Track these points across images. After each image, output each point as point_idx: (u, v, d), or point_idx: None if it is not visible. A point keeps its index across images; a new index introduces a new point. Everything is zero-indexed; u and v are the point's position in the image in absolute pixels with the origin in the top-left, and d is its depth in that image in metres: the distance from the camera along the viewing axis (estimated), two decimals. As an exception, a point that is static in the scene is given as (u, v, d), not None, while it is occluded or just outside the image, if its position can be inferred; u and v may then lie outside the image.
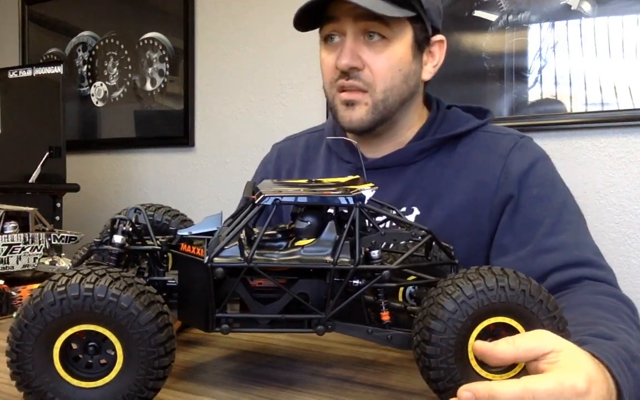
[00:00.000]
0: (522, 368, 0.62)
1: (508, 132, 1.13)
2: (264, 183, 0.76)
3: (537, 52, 2.04)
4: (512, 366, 0.62)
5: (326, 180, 0.77)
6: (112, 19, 2.88)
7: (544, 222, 1.00)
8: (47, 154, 2.41)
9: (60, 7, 3.03)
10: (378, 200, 0.77)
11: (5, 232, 1.18)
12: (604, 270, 0.96)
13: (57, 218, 2.30)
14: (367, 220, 0.70)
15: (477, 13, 2.12)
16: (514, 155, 1.06)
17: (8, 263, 1.18)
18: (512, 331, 0.62)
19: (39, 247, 1.22)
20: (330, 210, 0.71)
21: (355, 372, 0.77)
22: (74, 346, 0.60)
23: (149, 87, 2.79)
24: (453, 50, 2.09)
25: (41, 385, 0.59)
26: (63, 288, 0.57)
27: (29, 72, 2.51)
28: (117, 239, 0.70)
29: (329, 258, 0.66)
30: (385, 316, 0.70)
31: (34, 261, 1.20)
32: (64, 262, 1.14)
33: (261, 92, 2.56)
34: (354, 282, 0.68)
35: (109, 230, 0.71)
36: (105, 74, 2.91)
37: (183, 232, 0.72)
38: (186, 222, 0.88)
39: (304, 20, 1.07)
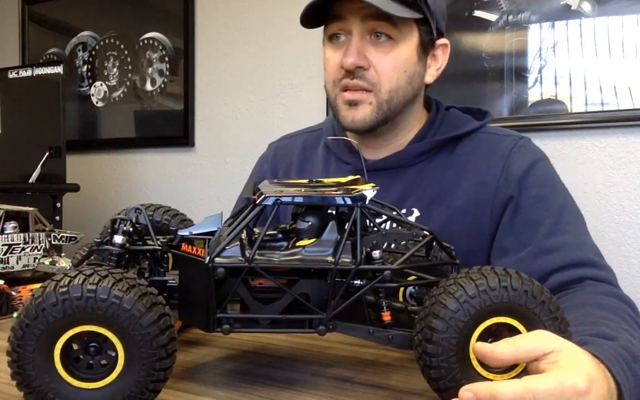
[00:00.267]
0: (523, 368, 0.62)
1: (507, 133, 1.13)
2: (264, 183, 0.76)
3: (537, 52, 2.04)
4: (513, 366, 0.62)
5: (327, 180, 0.77)
6: (112, 19, 2.88)
7: (544, 222, 1.00)
8: (47, 154, 2.41)
9: (60, 7, 3.03)
10: (379, 201, 0.77)
11: (5, 232, 1.17)
12: (605, 271, 0.96)
13: (57, 218, 2.30)
14: (368, 221, 0.70)
15: (477, 13, 2.12)
16: (514, 156, 1.07)
17: (8, 263, 1.17)
18: (514, 331, 0.62)
19: (39, 247, 1.22)
20: (331, 211, 0.71)
21: (356, 372, 0.77)
22: (75, 347, 0.60)
23: (149, 87, 2.79)
24: (453, 50, 2.07)
25: (42, 385, 0.58)
26: (65, 288, 0.57)
27: (29, 72, 2.51)
28: (118, 239, 0.70)
29: (330, 258, 0.66)
30: (387, 316, 0.70)
31: (34, 261, 1.20)
32: (64, 262, 1.14)
33: (261, 92, 2.56)
34: (355, 282, 0.68)
35: (109, 231, 0.71)
36: (105, 74, 2.90)
37: (183, 232, 0.72)
38: (186, 222, 0.88)
39: (309, 18, 1.06)
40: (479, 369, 0.62)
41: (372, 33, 1.03)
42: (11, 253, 1.18)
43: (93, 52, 2.94)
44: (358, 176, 0.79)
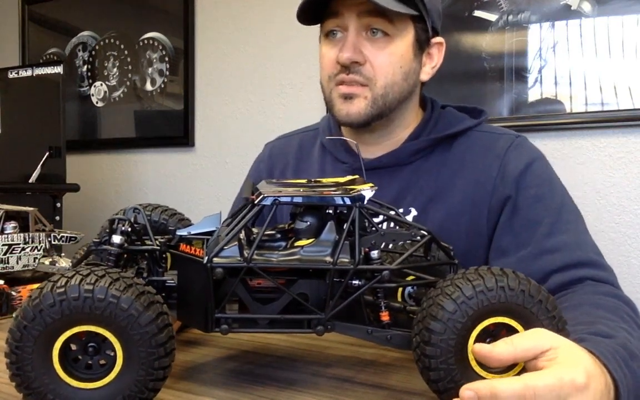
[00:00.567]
0: (522, 368, 0.62)
1: (504, 132, 1.13)
2: (263, 183, 0.76)
3: (537, 52, 2.04)
4: (512, 366, 0.62)
5: (325, 180, 0.77)
6: (112, 19, 2.88)
7: (543, 222, 1.00)
8: (47, 154, 2.41)
9: (60, 7, 3.03)
10: (378, 201, 0.77)
11: (5, 232, 1.18)
12: (605, 271, 0.96)
13: (57, 218, 2.30)
14: (366, 221, 0.70)
15: (477, 13, 2.12)
16: (510, 156, 1.06)
17: (8, 263, 1.18)
18: (512, 331, 0.62)
19: (39, 247, 1.22)
20: (330, 211, 0.71)
21: (355, 372, 0.77)
22: (74, 347, 0.60)
23: (149, 87, 2.79)
24: (453, 50, 2.09)
25: (41, 386, 0.58)
26: (62, 289, 0.57)
27: (29, 72, 2.51)
28: (116, 239, 0.70)
29: (328, 258, 0.66)
30: (385, 316, 0.70)
31: (34, 261, 1.20)
32: (64, 262, 1.14)
33: (261, 92, 2.56)
34: (354, 282, 0.68)
35: (107, 231, 0.71)
36: (105, 74, 2.91)
37: (182, 232, 0.72)
38: (184, 221, 0.88)
39: (306, 15, 1.07)
40: (477, 369, 0.62)
41: (368, 29, 1.03)
42: (11, 253, 1.18)
43: (93, 52, 2.94)
44: (356, 176, 0.79)
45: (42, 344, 0.58)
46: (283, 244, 0.71)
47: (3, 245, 1.17)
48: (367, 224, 0.71)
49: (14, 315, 0.59)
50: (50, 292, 0.57)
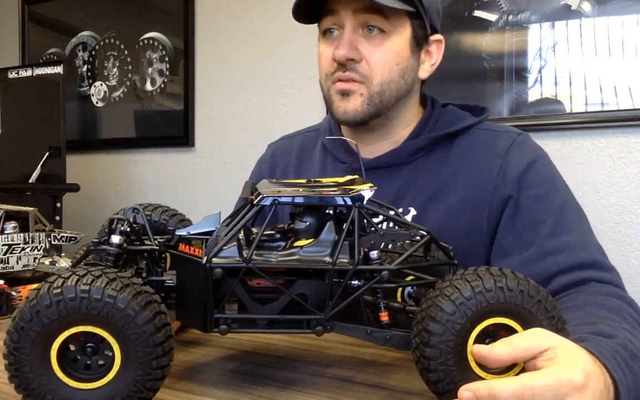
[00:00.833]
0: (522, 368, 0.62)
1: (505, 129, 1.12)
2: (262, 183, 0.76)
3: (537, 52, 2.04)
4: (512, 366, 0.62)
5: (325, 180, 0.77)
6: (112, 19, 2.88)
7: (545, 222, 0.99)
8: (47, 154, 2.41)
9: (60, 7, 3.03)
10: (377, 201, 0.77)
11: (5, 232, 1.18)
12: (610, 272, 0.95)
13: (57, 218, 2.30)
14: (365, 221, 0.70)
15: (477, 13, 2.12)
16: (512, 155, 1.05)
17: (8, 263, 1.18)
18: (511, 332, 0.62)
19: (39, 247, 1.22)
20: (329, 211, 0.71)
21: (355, 372, 0.76)
22: (72, 347, 0.60)
23: (149, 87, 2.79)
24: (453, 50, 2.09)
25: (39, 387, 0.58)
26: (59, 290, 0.57)
27: (29, 72, 2.51)
28: (115, 239, 0.70)
29: (327, 258, 0.66)
30: (384, 317, 0.70)
31: (34, 261, 1.20)
32: (64, 262, 1.14)
33: (261, 92, 2.56)
34: (353, 282, 0.68)
35: (106, 231, 0.71)
36: (105, 74, 2.91)
37: (181, 232, 0.72)
38: (184, 221, 0.88)
39: (302, 13, 1.07)
40: (477, 370, 0.61)
41: (364, 26, 1.03)
42: (11, 253, 1.18)
43: (93, 52, 2.95)
44: (356, 176, 0.79)
45: (39, 344, 0.58)
46: (282, 244, 0.71)
47: (3, 245, 1.17)
48: (366, 224, 0.71)
49: (12, 316, 0.59)
50: (47, 293, 0.57)
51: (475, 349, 0.60)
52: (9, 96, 2.57)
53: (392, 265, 0.68)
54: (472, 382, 0.60)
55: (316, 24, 1.11)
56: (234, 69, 2.62)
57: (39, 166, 2.39)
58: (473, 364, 0.61)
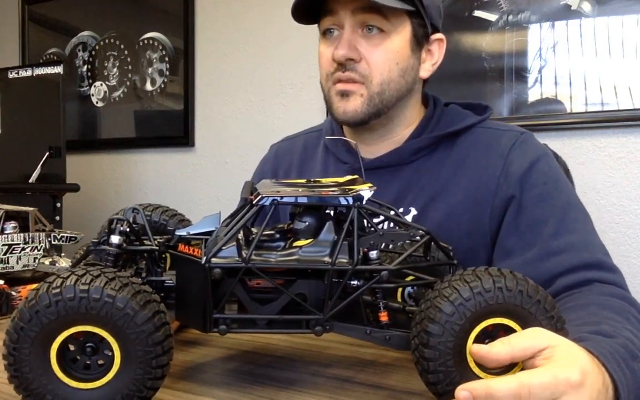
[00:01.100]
0: (521, 368, 0.62)
1: (508, 128, 1.11)
2: (262, 183, 0.76)
3: (537, 52, 2.04)
4: (511, 366, 0.62)
5: (325, 180, 0.77)
6: (112, 19, 2.88)
7: (548, 221, 0.98)
8: (47, 154, 2.41)
9: (60, 7, 3.03)
10: (377, 200, 0.77)
11: (5, 232, 1.18)
12: (613, 273, 0.94)
13: (57, 218, 2.30)
14: (365, 221, 0.70)
15: (477, 13, 2.12)
16: (514, 154, 1.05)
17: (8, 263, 1.18)
18: (510, 332, 0.62)
19: (39, 247, 1.22)
20: (329, 211, 0.71)
21: (355, 372, 0.76)
22: (72, 347, 0.60)
23: (149, 87, 2.79)
24: (453, 50, 2.09)
25: (39, 387, 0.58)
26: (58, 290, 0.57)
27: (29, 72, 2.51)
28: (115, 239, 0.70)
29: (327, 258, 0.66)
30: (384, 317, 0.70)
31: (34, 261, 1.20)
32: (64, 262, 1.14)
33: (261, 92, 2.56)
34: (353, 282, 0.68)
35: (106, 231, 0.71)
36: (105, 74, 2.91)
37: (181, 232, 0.72)
38: (184, 222, 0.88)
39: (301, 13, 1.07)
40: (476, 370, 0.61)
41: (363, 26, 1.03)
42: (11, 253, 1.18)
43: (93, 52, 2.95)
44: (356, 176, 0.79)
45: (39, 345, 0.58)
46: (282, 244, 0.71)
47: (3, 245, 1.17)
48: (366, 224, 0.71)
49: (11, 316, 0.59)
50: (46, 293, 0.57)
51: (474, 349, 0.60)
52: (9, 96, 2.57)
53: (392, 265, 0.68)
54: (471, 381, 0.60)
55: (316, 25, 1.11)
56: (234, 69, 2.62)
57: (39, 166, 2.39)
58: (472, 365, 0.61)
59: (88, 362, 0.60)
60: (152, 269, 0.74)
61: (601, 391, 0.61)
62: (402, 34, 1.04)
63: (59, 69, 2.45)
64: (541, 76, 2.04)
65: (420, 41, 1.07)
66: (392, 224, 0.86)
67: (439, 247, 0.73)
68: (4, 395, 0.66)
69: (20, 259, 1.19)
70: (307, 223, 0.70)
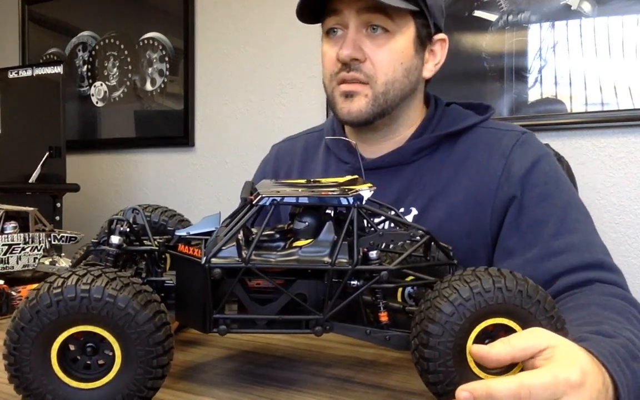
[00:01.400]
0: (521, 369, 0.62)
1: (509, 128, 1.11)
2: (262, 183, 0.76)
3: (537, 52, 2.04)
4: (511, 367, 0.62)
5: (324, 181, 0.77)
6: (112, 19, 2.88)
7: (549, 221, 0.98)
8: (47, 154, 2.41)
9: (60, 7, 3.03)
10: (377, 201, 0.77)
11: (5, 232, 1.18)
12: (614, 273, 0.94)
13: (57, 218, 2.30)
14: (365, 221, 0.70)
15: (477, 13, 2.12)
16: (515, 154, 1.05)
17: (8, 263, 1.18)
18: (510, 332, 0.62)
19: (39, 247, 1.22)
20: (329, 211, 0.71)
21: (355, 372, 0.77)
22: (72, 347, 0.60)
23: (149, 87, 2.79)
24: (453, 50, 2.08)
25: (39, 387, 0.58)
26: (59, 289, 0.57)
27: (29, 72, 2.51)
28: (115, 239, 0.70)
29: (327, 259, 0.66)
30: (384, 317, 0.70)
31: (34, 261, 1.20)
32: (64, 262, 1.14)
33: (261, 92, 2.56)
34: (352, 282, 0.68)
35: (106, 231, 0.71)
36: (105, 74, 2.91)
37: (181, 233, 0.72)
38: (184, 222, 0.88)
39: (305, 13, 1.07)
40: (476, 371, 0.62)
41: (367, 26, 1.03)
42: (11, 253, 1.18)
43: (93, 52, 2.95)
44: (356, 176, 0.79)
45: (40, 345, 0.58)
46: (281, 244, 0.71)
47: (3, 245, 1.17)
48: (366, 224, 0.71)
49: (12, 316, 0.59)
50: (47, 293, 0.57)
51: (473, 349, 0.60)
52: (9, 96, 2.57)
53: (392, 265, 0.68)
54: (471, 382, 0.60)
55: (317, 24, 1.11)
56: (234, 69, 2.62)
57: (39, 166, 2.39)
58: (472, 365, 0.61)
59: (88, 362, 0.60)
60: (152, 269, 0.74)
61: (601, 391, 0.61)
62: (406, 34, 1.04)
63: (59, 69, 2.45)
64: (541, 76, 2.04)
65: (423, 41, 1.08)
66: (392, 224, 0.86)
67: (439, 247, 0.73)
68: (4, 395, 0.66)
69: (20, 259, 1.19)
70: (307, 223, 0.70)
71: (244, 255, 0.65)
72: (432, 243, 0.73)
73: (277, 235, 0.72)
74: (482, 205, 1.04)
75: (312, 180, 0.78)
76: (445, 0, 1.11)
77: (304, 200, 0.68)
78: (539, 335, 0.60)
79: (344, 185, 0.73)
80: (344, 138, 1.15)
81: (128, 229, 0.72)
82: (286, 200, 0.68)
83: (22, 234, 1.19)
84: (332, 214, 0.71)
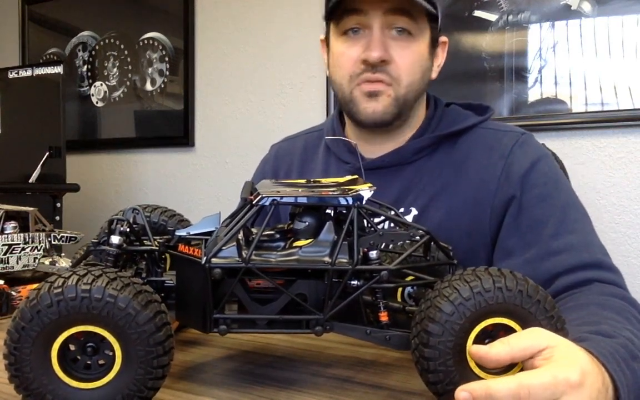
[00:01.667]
0: (521, 368, 0.62)
1: (509, 129, 1.12)
2: (262, 183, 0.76)
3: (537, 52, 2.04)
4: (511, 367, 0.62)
5: (325, 181, 0.77)
6: (112, 19, 2.88)
7: (548, 222, 0.99)
8: (47, 154, 2.41)
9: (60, 7, 3.03)
10: (377, 201, 0.77)
11: (5, 232, 1.18)
12: (612, 273, 0.95)
13: (57, 218, 2.30)
14: (365, 221, 0.70)
15: (477, 13, 2.12)
16: (515, 155, 1.05)
17: (8, 263, 1.18)
18: (511, 332, 0.62)
19: (39, 247, 1.22)
20: (329, 211, 0.71)
21: (355, 372, 0.77)
22: (72, 347, 0.60)
23: (149, 87, 2.79)
24: (453, 50, 2.08)
25: (40, 387, 0.59)
26: (60, 289, 0.57)
27: (29, 72, 2.51)
28: (115, 239, 0.70)
29: (327, 258, 0.66)
30: (384, 317, 0.70)
31: (34, 261, 1.20)
32: (64, 262, 1.14)
33: (261, 92, 2.56)
34: (352, 282, 0.68)
35: (106, 231, 0.71)
36: (105, 74, 2.91)
37: (181, 233, 0.72)
38: (184, 222, 0.88)
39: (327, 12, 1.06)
40: (476, 370, 0.62)
41: (390, 28, 1.03)
42: (11, 253, 1.18)
43: (93, 52, 2.95)
44: (356, 176, 0.79)
45: (40, 344, 0.58)
46: (282, 244, 0.71)
47: (3, 245, 1.17)
48: (366, 224, 0.71)
49: (12, 316, 0.59)
50: (47, 293, 0.57)
51: (473, 350, 0.60)
52: (9, 96, 2.56)
53: (392, 265, 0.68)
54: (471, 382, 0.60)
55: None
56: (234, 69, 2.62)
57: (39, 166, 2.39)
58: (472, 365, 0.61)
59: (89, 362, 0.60)
60: (152, 270, 0.74)
61: (601, 391, 0.61)
62: (425, 37, 1.06)
63: (59, 69, 2.45)
64: (541, 76, 2.04)
65: (434, 44, 1.09)
66: (392, 224, 0.86)
67: (439, 247, 0.73)
68: (4, 395, 0.66)
69: (20, 259, 1.19)
70: (307, 223, 0.70)
71: (244, 255, 0.65)
72: (432, 243, 0.73)
73: (277, 235, 0.72)
74: (482, 206, 1.04)
75: (312, 180, 0.78)
76: (445, 0, 1.11)
77: (304, 200, 0.68)
78: (539, 336, 0.60)
79: (344, 185, 0.73)
80: (344, 138, 1.15)
81: (128, 229, 0.72)
82: (286, 200, 0.68)
83: (22, 234, 1.19)
84: (332, 214, 0.71)
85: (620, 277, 0.96)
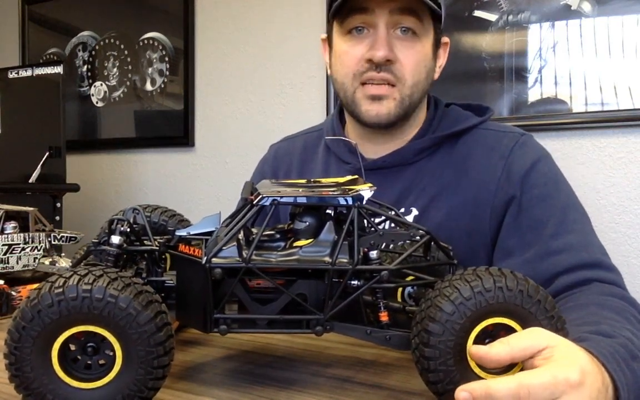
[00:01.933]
0: (521, 368, 0.62)
1: (509, 129, 1.12)
2: (262, 183, 0.76)
3: (537, 52, 2.04)
4: (511, 366, 0.62)
5: (325, 181, 0.77)
6: (112, 19, 2.88)
7: (548, 222, 0.99)
8: (47, 154, 2.41)
9: (60, 7, 3.03)
10: (377, 201, 0.77)
11: (5, 232, 1.18)
12: (612, 272, 0.95)
13: (57, 218, 2.30)
14: (365, 221, 0.70)
15: (477, 13, 2.12)
16: (515, 155, 1.05)
17: (8, 263, 1.18)
18: (511, 331, 0.62)
19: (39, 247, 1.22)
20: (329, 211, 0.71)
21: (355, 372, 0.77)
22: (73, 347, 0.60)
23: (149, 87, 2.79)
24: (453, 50, 2.07)
25: (40, 387, 0.59)
26: (61, 289, 0.57)
27: (29, 72, 2.51)
28: (115, 239, 0.70)
29: (327, 258, 0.66)
30: (384, 317, 0.70)
31: (34, 261, 1.20)
32: (64, 262, 1.14)
33: (261, 92, 2.56)
34: (353, 282, 0.68)
35: (106, 231, 0.71)
36: (105, 74, 2.91)
37: (181, 233, 0.72)
38: (184, 222, 0.89)
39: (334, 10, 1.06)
40: (477, 370, 0.62)
41: (396, 27, 1.03)
42: (11, 253, 1.18)
43: (93, 52, 2.94)
44: (356, 176, 0.79)
45: (40, 344, 0.58)
46: (282, 244, 0.71)
47: (3, 245, 1.17)
48: (366, 225, 0.71)
49: (13, 315, 0.59)
50: (48, 293, 0.57)
51: (473, 350, 0.60)
52: (9, 96, 2.56)
53: (392, 265, 0.68)
54: (471, 382, 0.60)
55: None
56: (234, 69, 2.62)
57: (39, 166, 2.39)
58: (473, 364, 0.61)
59: (89, 362, 0.60)
60: (152, 270, 0.74)
61: (601, 391, 0.61)
62: (429, 38, 1.06)
63: (59, 69, 2.45)
64: (541, 76, 2.04)
65: (438, 44, 1.10)
66: (392, 224, 0.86)
67: (439, 247, 0.73)
68: (5, 395, 0.66)
69: (20, 259, 1.19)
70: (307, 223, 0.70)
71: (244, 255, 0.65)
72: (432, 243, 0.73)
73: (278, 235, 0.72)
74: (482, 206, 1.04)
75: (312, 180, 0.78)
76: (445, 0, 1.11)
77: (304, 200, 0.68)
78: (538, 335, 0.61)
79: (344, 185, 0.73)
80: (344, 138, 1.15)
81: (128, 229, 0.72)
82: (286, 200, 0.68)
83: (22, 234, 1.19)
84: (332, 214, 0.71)
85: (620, 277, 0.96)
